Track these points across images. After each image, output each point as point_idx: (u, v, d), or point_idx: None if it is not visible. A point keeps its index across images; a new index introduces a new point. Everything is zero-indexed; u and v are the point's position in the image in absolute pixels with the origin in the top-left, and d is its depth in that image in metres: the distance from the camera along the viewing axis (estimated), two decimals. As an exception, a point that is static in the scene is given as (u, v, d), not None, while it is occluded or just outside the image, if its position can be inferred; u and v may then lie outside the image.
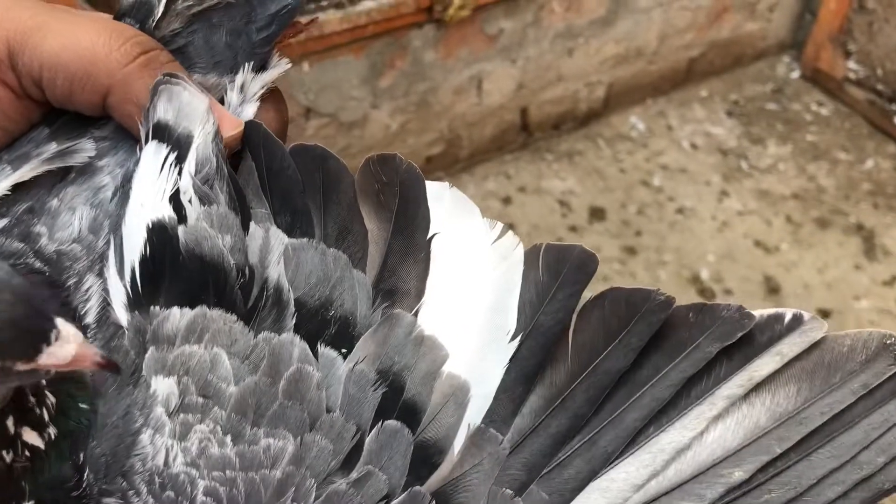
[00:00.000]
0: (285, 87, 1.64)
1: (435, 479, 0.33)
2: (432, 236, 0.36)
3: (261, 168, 0.37)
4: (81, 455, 0.32)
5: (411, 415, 0.33)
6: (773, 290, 2.03)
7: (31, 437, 0.30)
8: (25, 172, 0.37)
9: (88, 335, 0.34)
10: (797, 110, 2.53)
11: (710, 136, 2.42)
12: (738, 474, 0.32)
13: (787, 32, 2.67)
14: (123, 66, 0.35)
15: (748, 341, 0.34)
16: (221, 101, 0.39)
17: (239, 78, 0.38)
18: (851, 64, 2.48)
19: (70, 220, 0.36)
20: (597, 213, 2.19)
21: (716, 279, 2.05)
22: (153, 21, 0.38)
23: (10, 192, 0.36)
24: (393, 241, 0.36)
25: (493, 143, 2.30)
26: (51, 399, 0.31)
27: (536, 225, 2.13)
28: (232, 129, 0.36)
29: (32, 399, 0.30)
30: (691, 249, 2.11)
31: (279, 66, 0.40)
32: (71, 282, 0.35)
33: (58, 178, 0.37)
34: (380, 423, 0.33)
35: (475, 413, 0.34)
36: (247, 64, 0.38)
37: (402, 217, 0.36)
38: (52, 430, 0.31)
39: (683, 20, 2.38)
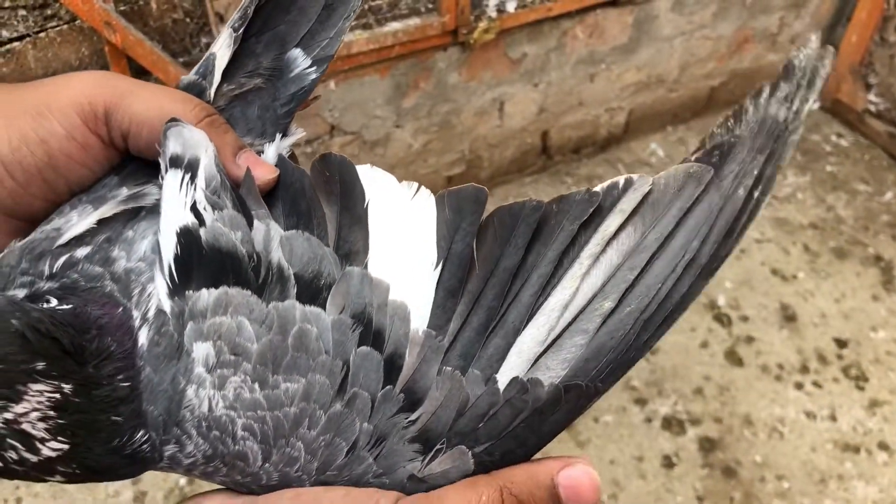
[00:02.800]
0: (313, 105, 1.67)
1: (401, 380, 0.42)
2: (367, 205, 0.46)
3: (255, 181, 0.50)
4: (142, 423, 0.42)
5: (378, 339, 0.43)
6: (789, 318, 2.03)
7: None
8: (107, 210, 0.47)
9: (148, 326, 0.43)
10: (817, 141, 2.54)
11: (729, 165, 2.44)
12: (608, 304, 0.43)
13: (808, 64, 2.68)
14: (197, 121, 0.48)
15: (597, 210, 0.44)
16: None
17: (272, 145, 0.52)
18: (872, 96, 2.49)
19: (143, 247, 0.46)
20: (615, 237, 2.20)
21: (733, 306, 2.05)
22: (207, 99, 0.51)
23: (95, 225, 0.47)
24: (342, 217, 0.46)
25: (514, 165, 2.32)
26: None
27: (554, 247, 2.15)
28: (270, 174, 0.48)
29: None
30: (708, 276, 2.12)
31: (297, 134, 0.53)
32: (136, 290, 0.44)
33: (132, 215, 0.48)
34: (354, 352, 0.43)
35: (418, 325, 0.43)
36: (278, 134, 0.52)
37: (344, 197, 0.47)
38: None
39: (705, 49, 2.40)
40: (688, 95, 2.50)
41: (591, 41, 2.17)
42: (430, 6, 1.86)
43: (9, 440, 0.37)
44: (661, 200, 0.44)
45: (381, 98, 1.95)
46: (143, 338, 0.42)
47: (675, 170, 0.45)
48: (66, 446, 0.38)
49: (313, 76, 0.52)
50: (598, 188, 0.45)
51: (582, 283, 0.43)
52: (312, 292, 0.43)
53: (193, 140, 0.46)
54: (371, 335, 0.43)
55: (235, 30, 0.52)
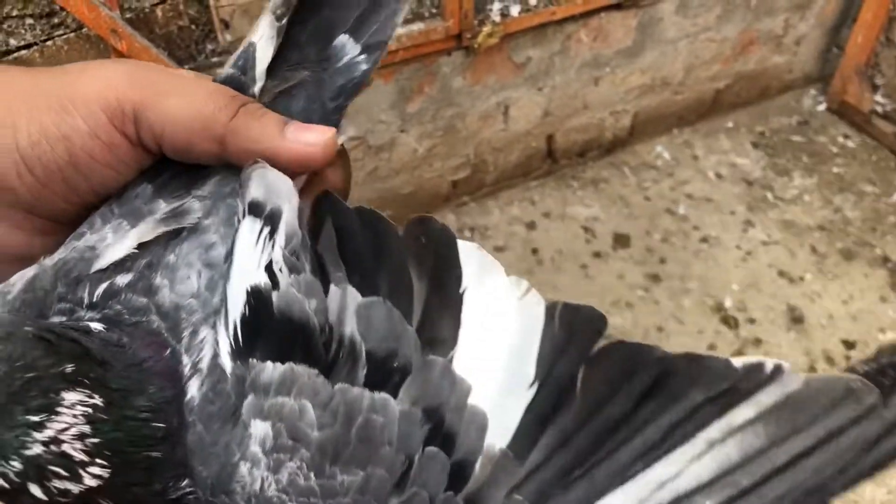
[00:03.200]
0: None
1: (466, 490, 0.39)
2: (464, 291, 0.41)
3: (336, 234, 0.43)
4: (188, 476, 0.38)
5: (449, 441, 0.39)
6: (796, 319, 2.03)
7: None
8: (147, 231, 0.42)
9: (201, 379, 0.39)
10: (823, 142, 2.53)
11: (735, 167, 2.43)
12: (708, 503, 0.37)
13: (814, 65, 2.68)
14: (231, 117, 0.43)
15: (731, 388, 0.39)
16: None
17: None
18: (878, 97, 2.49)
19: (188, 274, 0.42)
20: (621, 240, 2.20)
21: (739, 308, 2.05)
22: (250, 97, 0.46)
23: (136, 250, 0.42)
24: (431, 296, 0.41)
25: (519, 169, 2.33)
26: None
27: (560, 250, 2.15)
28: (325, 134, 0.44)
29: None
30: (715, 278, 2.11)
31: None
32: (186, 332, 0.40)
33: (172, 236, 0.43)
34: (421, 450, 0.39)
35: (495, 441, 0.39)
36: None
37: (438, 274, 0.42)
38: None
39: (709, 52, 2.40)
40: (693, 98, 2.49)
41: (595, 45, 2.17)
42: (434, 11, 1.86)
43: (51, 467, 0.34)
44: (807, 409, 0.38)
45: (386, 102, 1.96)
46: (193, 389, 0.39)
47: (834, 379, 0.38)
48: (106, 472, 0.35)
49: (364, 66, 0.47)
50: (738, 363, 0.39)
51: (689, 466, 0.38)
52: (384, 374, 0.39)
53: (278, 188, 0.42)
54: (441, 436, 0.39)
55: (278, 18, 0.46)
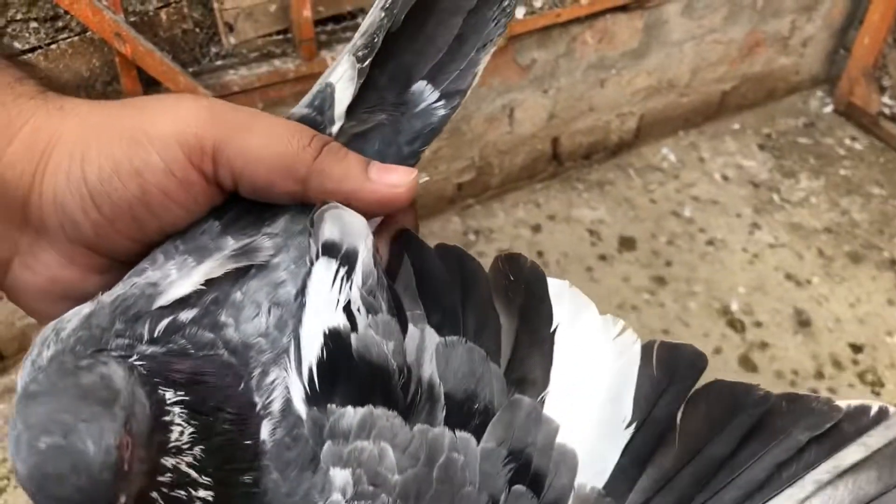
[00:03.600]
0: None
1: None
2: (555, 330, 0.41)
3: (416, 273, 0.43)
4: None
5: (537, 482, 0.38)
6: (803, 323, 2.02)
7: None
8: (215, 268, 0.41)
9: (274, 424, 0.38)
10: (830, 144, 2.52)
11: (741, 169, 2.42)
12: None
13: (821, 67, 2.67)
14: (314, 157, 0.42)
15: (836, 429, 0.38)
16: None
17: None
18: (886, 99, 2.47)
19: (255, 313, 0.41)
20: (626, 243, 2.19)
21: (746, 311, 2.04)
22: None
23: (203, 286, 0.41)
24: (521, 335, 0.41)
25: (524, 172, 2.32)
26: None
27: (566, 253, 2.14)
28: (409, 175, 0.43)
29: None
30: (721, 281, 2.10)
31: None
32: (256, 372, 0.39)
33: (239, 273, 0.42)
34: (507, 490, 0.38)
35: (587, 480, 0.38)
36: None
37: (528, 312, 0.41)
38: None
39: (716, 54, 2.39)
40: (699, 100, 2.48)
41: (600, 46, 2.16)
42: (439, 13, 1.86)
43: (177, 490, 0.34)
44: None
45: (391, 106, 1.95)
46: (265, 432, 0.38)
47: None
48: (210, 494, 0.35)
49: (442, 112, 0.47)
50: (842, 404, 0.39)
51: None
52: (464, 415, 0.39)
53: (353, 228, 0.41)
54: (529, 476, 0.38)
55: (359, 60, 0.45)
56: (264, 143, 0.41)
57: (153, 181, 0.41)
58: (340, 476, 0.37)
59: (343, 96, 0.46)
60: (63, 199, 0.41)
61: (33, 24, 1.47)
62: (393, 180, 0.42)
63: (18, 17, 1.46)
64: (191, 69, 1.62)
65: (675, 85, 2.40)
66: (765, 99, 2.62)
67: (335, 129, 0.46)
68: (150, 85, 1.56)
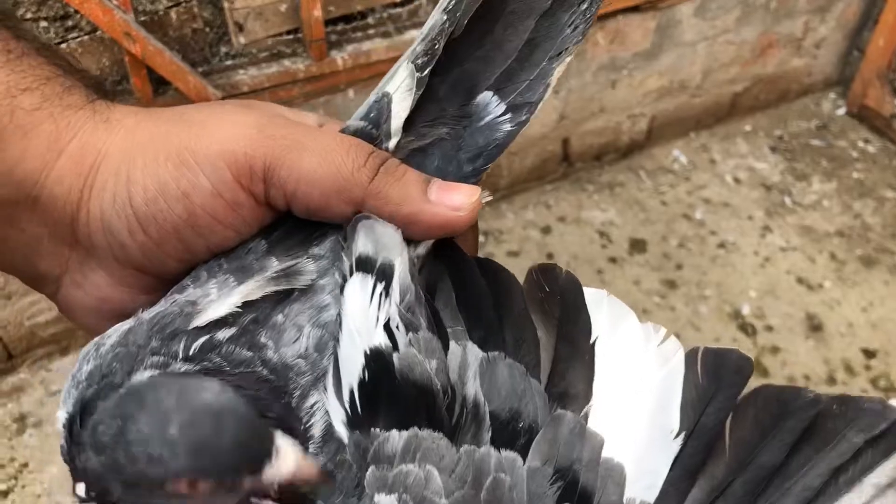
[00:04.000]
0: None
1: None
2: (595, 340, 0.39)
3: (455, 287, 0.41)
4: None
5: (586, 499, 0.37)
6: (815, 327, 2.00)
7: None
8: (254, 290, 0.40)
9: (315, 448, 0.37)
10: (843, 147, 2.50)
11: (753, 171, 2.41)
12: None
13: (834, 69, 2.65)
14: (371, 178, 0.40)
15: (890, 430, 0.36)
16: None
17: None
18: (900, 101, 2.45)
19: (295, 335, 0.39)
20: (637, 245, 2.18)
21: (757, 315, 2.02)
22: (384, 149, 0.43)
23: (239, 308, 0.39)
24: (560, 347, 0.39)
25: (534, 173, 2.31)
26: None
27: (576, 255, 2.13)
28: (472, 195, 0.40)
29: None
30: (733, 284, 2.09)
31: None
32: (296, 394, 0.38)
33: (282, 295, 0.40)
34: None
35: (642, 496, 0.37)
36: None
37: (567, 324, 0.40)
38: None
39: (728, 55, 2.37)
40: (711, 101, 2.47)
41: (612, 47, 2.15)
42: (450, 14, 1.85)
43: None
44: None
45: (401, 106, 1.94)
46: None
47: None
48: None
49: (508, 127, 0.43)
50: (894, 402, 0.37)
51: None
52: (509, 435, 0.37)
53: (387, 240, 0.39)
54: (577, 494, 0.37)
55: (419, 68, 0.42)
56: (317, 162, 0.39)
57: (200, 203, 0.39)
58: (386, 501, 0.36)
59: (400, 108, 0.42)
60: (109, 221, 0.40)
61: (43, 24, 1.47)
62: (455, 202, 0.40)
63: (28, 15, 1.45)
64: (200, 69, 1.62)
65: (686, 86, 2.38)
66: (777, 101, 2.60)
67: (392, 143, 0.43)
68: (160, 84, 1.56)
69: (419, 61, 0.42)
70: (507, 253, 2.11)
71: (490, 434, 0.37)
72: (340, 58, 1.70)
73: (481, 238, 2.15)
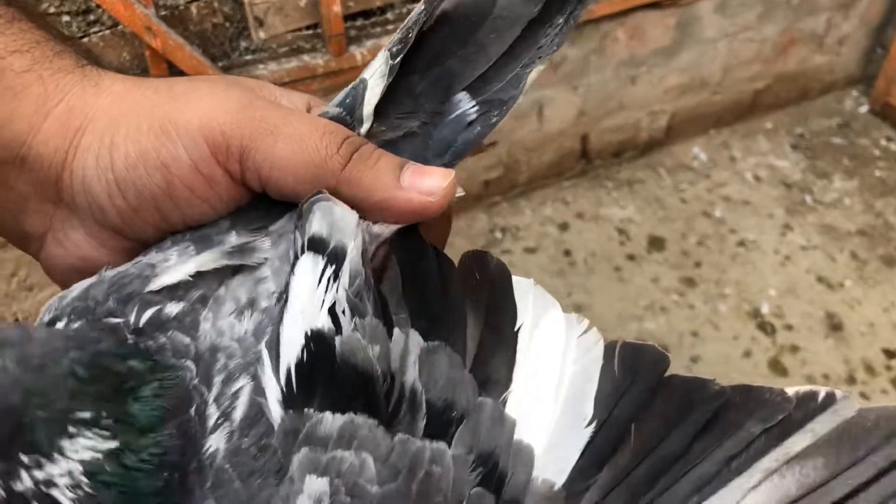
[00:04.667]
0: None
1: None
2: (519, 329, 0.40)
3: (402, 273, 0.41)
4: None
5: (500, 482, 0.38)
6: (835, 327, 1.98)
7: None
8: (209, 261, 0.40)
9: (231, 431, 0.37)
10: (865, 145, 2.47)
11: (773, 169, 2.39)
12: None
13: (856, 66, 2.62)
14: (343, 165, 0.40)
15: (787, 418, 0.38)
16: None
17: None
18: (923, 99, 2.43)
19: (235, 316, 0.39)
20: (656, 243, 2.17)
21: (776, 314, 2.00)
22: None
23: (191, 278, 0.40)
24: (485, 335, 0.40)
25: (552, 170, 2.30)
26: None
27: (594, 252, 2.12)
28: (445, 179, 0.41)
29: None
30: (752, 283, 2.07)
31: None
32: (218, 378, 0.37)
33: (233, 270, 0.40)
34: (468, 492, 0.37)
35: (552, 478, 0.38)
36: None
37: (493, 312, 0.40)
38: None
39: (749, 52, 2.35)
40: (731, 99, 2.45)
41: (632, 43, 2.14)
42: (469, 9, 1.85)
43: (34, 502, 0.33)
44: (864, 440, 0.37)
45: (420, 102, 1.94)
46: (219, 441, 0.36)
47: (892, 409, 0.38)
48: None
49: (478, 127, 0.43)
50: (791, 391, 0.38)
51: (746, 497, 0.37)
52: (442, 424, 0.38)
53: (343, 224, 0.39)
54: (495, 478, 0.37)
55: (393, 56, 0.42)
56: (291, 149, 0.40)
57: (178, 175, 0.40)
58: (316, 485, 0.35)
59: (372, 95, 0.43)
60: (90, 183, 0.41)
61: (65, 18, 1.48)
62: (428, 186, 0.40)
63: (51, 10, 1.46)
64: (220, 63, 1.62)
65: (707, 83, 2.36)
66: (798, 98, 2.58)
67: (363, 129, 0.43)
68: (180, 79, 1.57)
69: (394, 49, 0.43)
70: (525, 249, 2.11)
71: (424, 422, 0.37)
72: (359, 53, 1.71)
73: (498, 234, 2.15)
